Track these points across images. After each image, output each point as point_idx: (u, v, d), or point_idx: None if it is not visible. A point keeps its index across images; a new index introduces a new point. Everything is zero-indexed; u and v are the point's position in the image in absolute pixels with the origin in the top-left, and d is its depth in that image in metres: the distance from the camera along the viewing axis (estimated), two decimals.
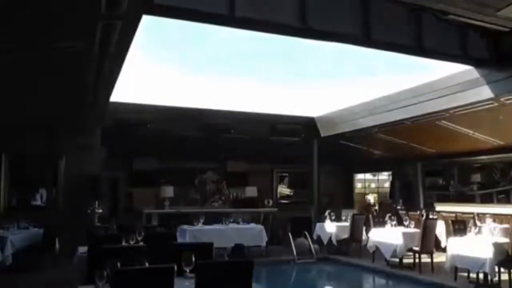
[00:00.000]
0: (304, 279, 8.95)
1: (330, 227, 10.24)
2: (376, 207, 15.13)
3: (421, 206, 11.97)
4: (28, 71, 5.60)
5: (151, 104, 10.41)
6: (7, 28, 4.06)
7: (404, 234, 8.32)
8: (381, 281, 8.79)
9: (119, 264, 3.17)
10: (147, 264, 3.39)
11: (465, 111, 8.06)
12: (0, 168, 9.79)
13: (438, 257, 8.26)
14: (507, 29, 5.72)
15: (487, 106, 7.58)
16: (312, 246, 10.02)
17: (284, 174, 14.69)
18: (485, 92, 7.26)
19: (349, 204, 14.09)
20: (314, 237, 10.50)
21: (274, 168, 14.17)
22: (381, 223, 9.32)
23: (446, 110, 8.27)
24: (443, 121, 8.93)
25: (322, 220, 10.57)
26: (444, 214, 10.85)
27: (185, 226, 9.14)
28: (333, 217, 10.54)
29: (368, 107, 10.13)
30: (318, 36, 5.60)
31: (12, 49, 4.67)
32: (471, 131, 9.32)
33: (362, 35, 5.53)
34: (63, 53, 4.87)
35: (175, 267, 3.15)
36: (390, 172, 14.71)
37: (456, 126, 9.10)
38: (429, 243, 8.28)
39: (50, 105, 7.74)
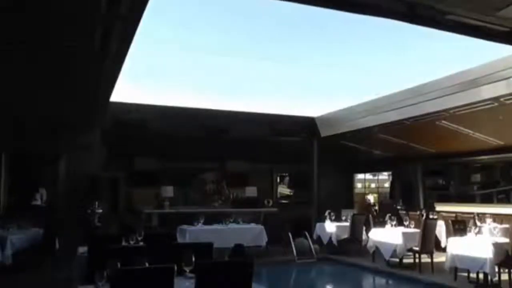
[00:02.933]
0: (304, 279, 8.95)
1: (330, 227, 10.24)
2: (376, 207, 15.13)
3: (421, 206, 11.96)
4: (28, 70, 5.61)
5: (151, 104, 10.42)
6: (6, 27, 4.06)
7: (404, 234, 8.32)
8: (381, 281, 8.79)
9: (119, 264, 3.18)
10: (147, 264, 3.39)
11: (465, 111, 8.06)
12: (0, 168, 9.80)
13: (438, 257, 8.26)
14: (507, 29, 5.72)
15: (487, 106, 7.58)
16: (312, 246, 10.02)
17: (284, 174, 14.68)
18: (485, 92, 7.26)
19: (349, 204, 14.08)
20: (314, 237, 10.51)
21: (274, 168, 14.16)
22: (381, 223, 9.33)
23: (446, 110, 8.27)
24: (443, 121, 8.92)
25: (322, 220, 10.58)
26: (444, 214, 10.85)
27: (185, 226, 9.14)
28: (333, 217, 10.55)
29: (368, 107, 10.13)
30: (359, 10, 5.32)
31: (12, 48, 4.67)
32: (471, 131, 9.32)
33: (407, 10, 5.31)
34: (63, 52, 4.87)
35: (175, 267, 3.16)
36: (390, 172, 14.71)
37: (456, 126, 9.10)
38: (429, 243, 8.28)
39: (50, 105, 7.74)
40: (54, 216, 9.37)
